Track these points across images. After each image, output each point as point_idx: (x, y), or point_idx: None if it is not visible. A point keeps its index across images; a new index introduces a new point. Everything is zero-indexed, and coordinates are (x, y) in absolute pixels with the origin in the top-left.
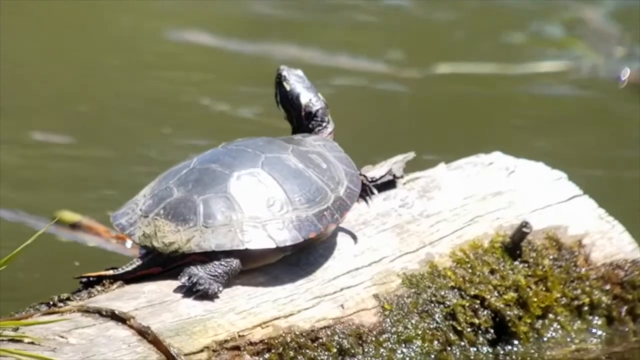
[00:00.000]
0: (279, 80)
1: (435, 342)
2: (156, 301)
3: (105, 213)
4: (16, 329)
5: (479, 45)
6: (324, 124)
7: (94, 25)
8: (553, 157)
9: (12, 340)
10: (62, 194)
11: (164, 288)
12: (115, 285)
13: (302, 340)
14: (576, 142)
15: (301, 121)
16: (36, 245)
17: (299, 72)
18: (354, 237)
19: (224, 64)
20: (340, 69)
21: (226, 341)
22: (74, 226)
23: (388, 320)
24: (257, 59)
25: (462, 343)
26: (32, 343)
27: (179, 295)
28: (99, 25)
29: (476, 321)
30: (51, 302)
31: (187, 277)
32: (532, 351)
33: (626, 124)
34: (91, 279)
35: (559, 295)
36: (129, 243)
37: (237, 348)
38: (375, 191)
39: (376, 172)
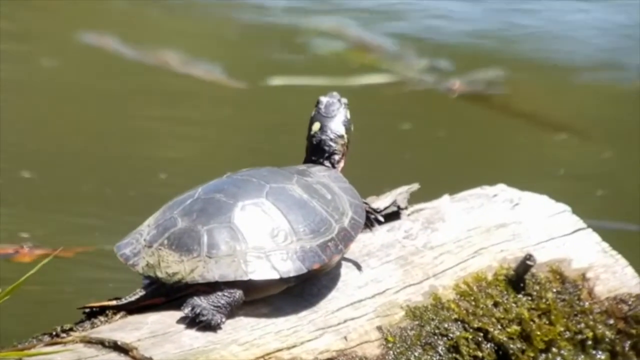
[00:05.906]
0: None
1: None
2: (159, 332)
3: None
4: None
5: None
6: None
7: None
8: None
9: None
10: None
11: (167, 319)
12: (118, 316)
13: None
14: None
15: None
16: None
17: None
18: (359, 268)
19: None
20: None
21: None
22: None
23: (391, 352)
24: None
25: None
26: None
27: (182, 326)
28: None
29: (479, 354)
30: (54, 333)
31: (190, 308)
32: None
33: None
34: (94, 309)
35: (562, 329)
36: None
37: None
38: (381, 219)
39: (380, 203)
